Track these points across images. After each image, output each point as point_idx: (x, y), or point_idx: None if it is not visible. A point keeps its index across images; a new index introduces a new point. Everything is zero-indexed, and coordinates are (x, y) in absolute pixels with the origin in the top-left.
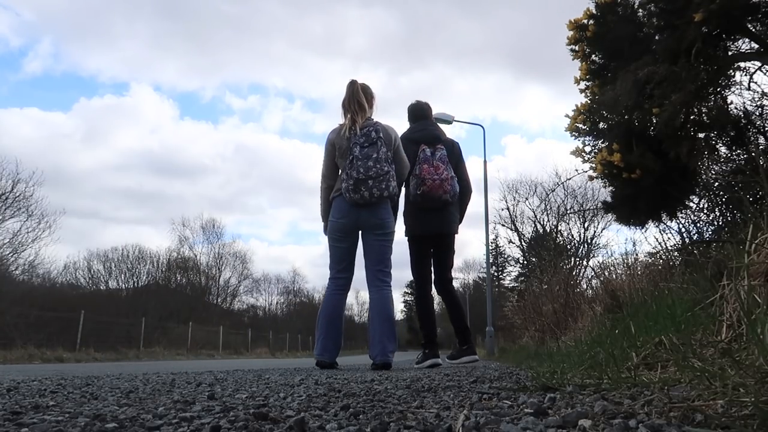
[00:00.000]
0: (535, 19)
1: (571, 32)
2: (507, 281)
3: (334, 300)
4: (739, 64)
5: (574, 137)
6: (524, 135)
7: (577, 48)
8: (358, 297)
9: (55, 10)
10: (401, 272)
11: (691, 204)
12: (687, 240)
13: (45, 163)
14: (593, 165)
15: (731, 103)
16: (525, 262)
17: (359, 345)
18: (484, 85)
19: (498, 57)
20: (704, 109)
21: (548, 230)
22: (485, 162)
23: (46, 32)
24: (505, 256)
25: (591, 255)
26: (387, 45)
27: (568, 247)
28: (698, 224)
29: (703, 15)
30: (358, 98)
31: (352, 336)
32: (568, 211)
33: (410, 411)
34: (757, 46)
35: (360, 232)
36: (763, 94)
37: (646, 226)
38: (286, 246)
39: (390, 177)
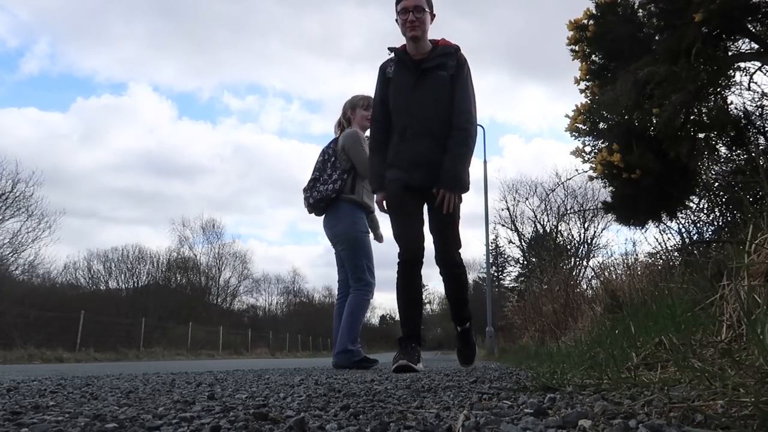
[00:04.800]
0: (532, 19)
1: (571, 32)
2: (507, 281)
3: (338, 306)
4: (739, 64)
5: (574, 137)
6: (522, 135)
7: (577, 48)
8: None
9: (52, 10)
10: None
11: (691, 204)
12: (687, 240)
13: (43, 163)
14: (593, 165)
15: (731, 103)
16: (525, 262)
17: (374, 346)
18: (482, 85)
19: (495, 57)
20: (704, 110)
21: (548, 230)
22: (485, 162)
23: (42, 33)
24: (505, 256)
25: (591, 255)
26: (384, 45)
27: (568, 247)
28: (698, 224)
29: (703, 15)
30: (342, 115)
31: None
32: (568, 211)
33: (410, 411)
34: (757, 46)
35: None
36: (763, 94)
37: (646, 226)
38: (285, 246)
39: (319, 183)
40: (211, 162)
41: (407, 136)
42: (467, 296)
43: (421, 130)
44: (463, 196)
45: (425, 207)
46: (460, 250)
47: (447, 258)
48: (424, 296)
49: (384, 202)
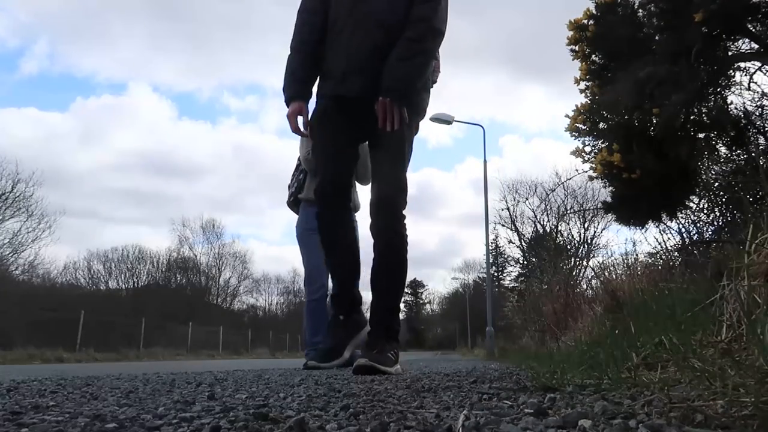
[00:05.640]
0: (532, 19)
1: (571, 32)
2: (507, 281)
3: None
4: (739, 64)
5: (574, 137)
6: (522, 135)
7: (577, 48)
8: None
9: (51, 10)
10: None
11: (691, 204)
12: (687, 240)
13: (43, 163)
14: (593, 165)
15: (731, 103)
16: (525, 263)
17: None
18: (481, 86)
19: (494, 57)
20: (704, 109)
21: (548, 230)
22: (485, 162)
23: (42, 33)
24: (505, 256)
25: (591, 255)
26: None
27: (568, 247)
28: (698, 224)
29: (704, 15)
30: None
31: None
32: (568, 211)
33: (410, 411)
34: (757, 46)
35: None
36: (763, 94)
37: (646, 226)
38: (285, 246)
39: (286, 187)
40: (211, 162)
41: (346, 28)
42: (401, 289)
43: (367, 21)
44: (422, 127)
45: (363, 146)
46: (404, 208)
47: (384, 201)
48: (424, 296)
49: (301, 120)
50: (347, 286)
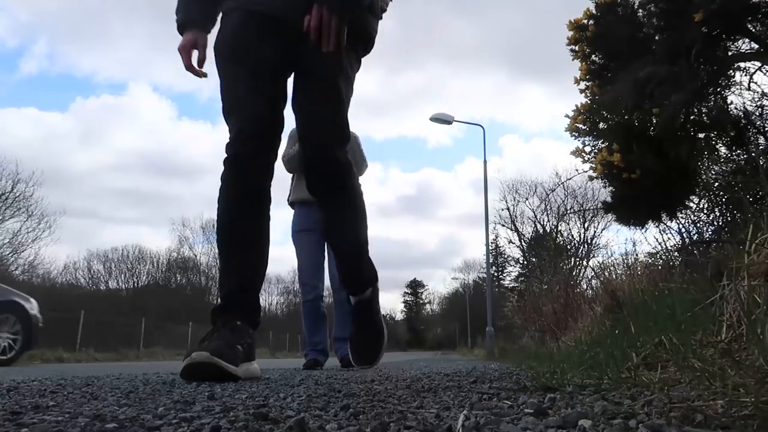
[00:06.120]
0: (532, 19)
1: (571, 32)
2: (507, 281)
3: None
4: (739, 64)
5: (574, 137)
6: (522, 135)
7: (577, 48)
8: None
9: (51, 10)
10: (399, 272)
11: (691, 204)
12: (687, 240)
13: (43, 163)
14: (593, 165)
15: (731, 103)
16: (525, 263)
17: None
18: (481, 86)
19: (494, 57)
20: (704, 109)
21: (548, 230)
22: (485, 162)
23: (41, 33)
24: (505, 256)
25: (591, 255)
26: (382, 45)
27: (568, 247)
28: (698, 224)
29: (704, 15)
30: None
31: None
32: (568, 211)
33: (410, 411)
34: (757, 46)
35: None
36: (763, 94)
37: (646, 226)
38: (285, 246)
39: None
40: (211, 162)
41: None
42: (364, 234)
43: None
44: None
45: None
46: (346, 151)
47: (319, 144)
48: (424, 296)
49: (196, 55)
50: (250, 287)
